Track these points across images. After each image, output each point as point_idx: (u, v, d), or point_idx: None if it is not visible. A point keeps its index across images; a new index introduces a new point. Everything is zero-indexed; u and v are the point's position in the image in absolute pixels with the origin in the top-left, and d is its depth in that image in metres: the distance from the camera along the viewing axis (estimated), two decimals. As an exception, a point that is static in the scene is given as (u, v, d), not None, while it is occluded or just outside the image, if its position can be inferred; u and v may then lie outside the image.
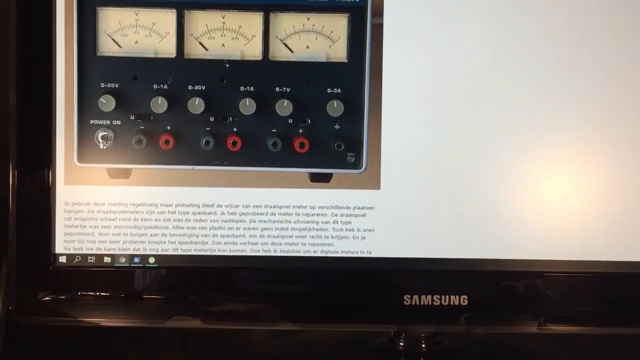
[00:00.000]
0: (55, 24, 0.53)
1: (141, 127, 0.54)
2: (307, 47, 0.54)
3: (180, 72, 0.53)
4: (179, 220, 0.55)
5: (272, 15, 0.53)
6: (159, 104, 0.53)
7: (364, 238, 0.55)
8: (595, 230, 0.56)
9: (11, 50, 0.53)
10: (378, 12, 0.54)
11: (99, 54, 0.53)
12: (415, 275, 0.56)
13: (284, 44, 0.54)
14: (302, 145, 0.54)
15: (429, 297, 0.56)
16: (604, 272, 0.56)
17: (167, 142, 0.54)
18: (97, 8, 0.53)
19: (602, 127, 0.56)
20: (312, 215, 0.55)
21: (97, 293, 0.56)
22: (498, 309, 0.57)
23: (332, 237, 0.56)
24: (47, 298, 0.56)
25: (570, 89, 0.55)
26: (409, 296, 0.56)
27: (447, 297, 0.56)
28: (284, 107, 0.53)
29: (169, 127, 0.54)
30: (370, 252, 0.56)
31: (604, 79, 0.55)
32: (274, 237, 0.55)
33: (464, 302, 0.56)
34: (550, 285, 0.56)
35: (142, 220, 0.55)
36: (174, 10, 0.53)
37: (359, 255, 0.56)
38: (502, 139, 0.55)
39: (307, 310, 0.57)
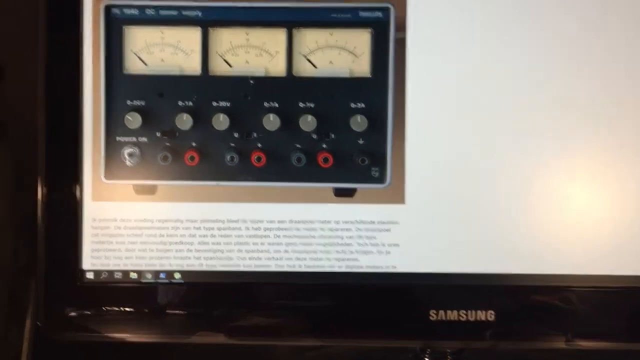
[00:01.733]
0: (83, 43, 0.54)
1: (167, 144, 0.54)
2: (331, 62, 0.54)
3: (205, 89, 0.54)
4: (204, 236, 0.55)
5: (295, 32, 0.54)
6: (184, 121, 0.54)
7: (389, 253, 0.55)
8: (624, 244, 0.55)
9: (40, 68, 0.54)
10: (401, 26, 0.54)
11: (125, 71, 0.54)
12: (441, 290, 0.56)
13: (308, 59, 0.54)
14: (326, 160, 0.54)
15: (455, 312, 0.55)
16: (634, 287, 0.56)
17: (192, 158, 0.54)
18: (124, 27, 0.54)
19: (632, 138, 0.55)
20: (337, 230, 0.55)
21: (124, 309, 0.56)
22: (525, 324, 0.56)
23: (356, 252, 0.55)
24: (75, 314, 0.56)
25: (597, 103, 0.55)
26: (435, 311, 0.55)
27: (473, 312, 0.55)
28: (307, 123, 0.54)
29: (194, 144, 0.54)
30: (395, 267, 0.55)
31: (634, 92, 0.55)
32: (298, 252, 0.55)
33: (490, 317, 0.55)
34: (579, 300, 0.56)
35: (167, 236, 0.56)
36: (199, 28, 0.54)
37: (384, 270, 0.55)
38: (527, 153, 0.55)
39: (332, 326, 0.57)
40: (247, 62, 0.54)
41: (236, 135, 0.54)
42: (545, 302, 0.56)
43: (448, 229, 0.55)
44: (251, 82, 0.54)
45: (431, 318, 0.55)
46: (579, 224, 0.55)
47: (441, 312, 0.55)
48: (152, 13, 0.54)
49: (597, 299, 0.56)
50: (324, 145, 0.54)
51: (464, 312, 0.55)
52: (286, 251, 0.55)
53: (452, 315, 0.55)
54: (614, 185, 0.55)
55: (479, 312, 0.55)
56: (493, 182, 0.55)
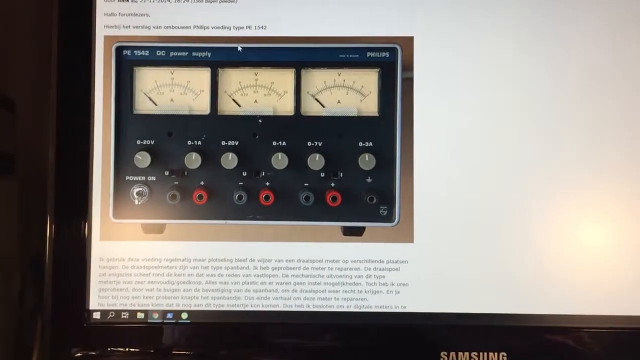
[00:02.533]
0: (94, 83, 0.55)
1: (175, 183, 0.55)
2: (339, 101, 0.54)
3: (213, 128, 0.54)
4: (212, 275, 0.55)
5: (303, 72, 0.54)
6: (193, 160, 0.54)
7: (398, 292, 0.55)
8: (638, 283, 0.54)
9: (51, 106, 0.55)
10: (408, 66, 0.54)
11: (135, 112, 0.55)
12: (452, 330, 0.55)
13: (316, 99, 0.55)
14: (334, 199, 0.54)
15: (467, 353, 0.54)
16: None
17: (200, 197, 0.54)
18: (135, 68, 0.55)
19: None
20: (345, 269, 0.55)
21: (131, 349, 0.56)
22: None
23: (365, 292, 0.55)
24: (81, 355, 0.56)
25: (604, 141, 0.55)
26: (445, 353, 0.54)
27: (485, 353, 0.54)
28: (315, 161, 0.54)
29: (202, 183, 0.55)
30: (405, 307, 0.55)
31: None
32: (306, 291, 0.55)
33: (502, 359, 0.54)
34: (593, 341, 0.54)
35: (175, 275, 0.55)
36: (209, 69, 0.54)
37: (394, 310, 0.55)
38: (535, 192, 0.55)
39: (341, 367, 0.56)
40: (255, 101, 0.55)
41: (244, 174, 0.55)
42: (559, 343, 0.54)
43: (458, 268, 0.54)
44: (259, 121, 0.54)
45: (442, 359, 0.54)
46: (591, 264, 0.55)
47: (452, 353, 0.54)
48: (163, 54, 0.54)
49: (612, 340, 0.55)
50: (332, 184, 0.54)
51: (475, 354, 0.54)
52: (294, 291, 0.55)
53: (464, 357, 0.54)
54: (626, 225, 0.55)
55: (490, 354, 0.54)
56: (502, 221, 0.55)
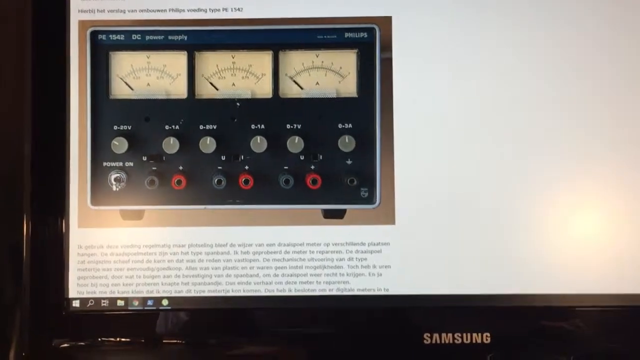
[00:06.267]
0: (69, 69, 0.54)
1: (153, 168, 0.54)
2: (317, 83, 0.54)
3: (191, 112, 0.54)
4: (192, 261, 0.55)
5: (281, 54, 0.54)
6: (171, 145, 0.53)
7: (380, 275, 0.54)
8: (627, 262, 0.54)
9: (26, 94, 0.54)
10: (387, 46, 0.54)
11: (111, 97, 0.54)
12: (435, 312, 0.54)
13: (294, 81, 0.54)
14: (314, 181, 0.53)
15: (450, 335, 0.54)
16: (636, 306, 0.54)
17: (179, 182, 0.54)
18: (110, 52, 0.54)
19: (632, 156, 0.54)
20: (327, 252, 0.54)
21: (111, 337, 0.55)
22: (524, 347, 0.55)
23: (347, 275, 0.54)
24: (61, 344, 0.55)
25: (591, 117, 0.54)
26: (428, 335, 0.54)
27: (469, 335, 0.54)
28: (295, 144, 0.53)
29: (180, 167, 0.54)
30: (387, 290, 0.54)
31: (633, 104, 0.54)
32: (288, 275, 0.54)
33: (487, 340, 0.54)
34: (580, 320, 0.54)
35: (155, 261, 0.55)
36: (185, 52, 0.54)
37: (376, 293, 0.54)
38: (518, 169, 0.54)
39: (323, 351, 0.55)
40: (233, 84, 0.54)
41: (223, 158, 0.54)
42: (544, 324, 0.54)
43: (440, 249, 0.54)
44: (237, 104, 0.54)
45: (425, 342, 0.54)
46: (576, 242, 0.54)
47: (435, 335, 0.54)
48: (138, 38, 0.54)
49: (599, 320, 0.54)
50: (312, 167, 0.54)
51: (459, 335, 0.54)
52: (276, 275, 0.54)
53: (447, 338, 0.54)
54: (612, 203, 0.54)
55: (474, 334, 0.54)
56: (486, 199, 0.54)
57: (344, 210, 0.54)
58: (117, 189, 0.54)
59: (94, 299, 0.55)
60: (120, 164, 0.54)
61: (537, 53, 0.54)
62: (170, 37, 0.54)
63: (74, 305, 0.55)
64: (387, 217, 0.54)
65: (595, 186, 0.54)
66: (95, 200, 0.54)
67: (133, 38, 0.54)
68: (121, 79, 0.54)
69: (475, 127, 0.54)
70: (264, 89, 0.54)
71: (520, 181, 0.54)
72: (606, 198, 0.54)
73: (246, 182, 0.53)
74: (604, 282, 0.54)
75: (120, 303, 0.55)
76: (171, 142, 0.53)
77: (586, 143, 0.54)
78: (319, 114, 0.54)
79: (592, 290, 0.54)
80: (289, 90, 0.54)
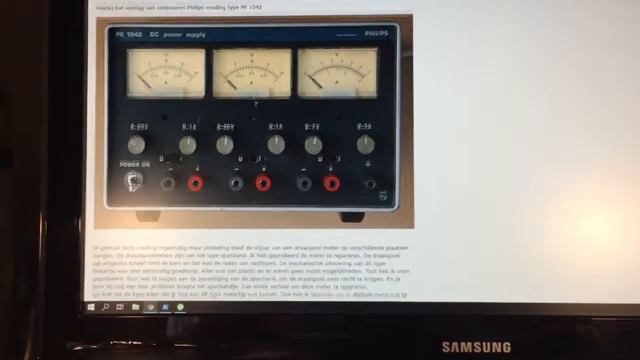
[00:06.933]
0: (87, 67, 0.54)
1: (170, 169, 0.53)
2: (336, 82, 0.53)
3: (209, 111, 0.53)
4: (208, 264, 0.54)
5: (300, 52, 0.53)
6: (188, 145, 0.53)
7: (399, 280, 0.53)
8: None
9: (43, 93, 0.54)
10: (408, 45, 0.53)
11: (129, 95, 0.54)
12: (454, 320, 0.53)
13: (313, 79, 0.53)
14: (332, 184, 0.52)
15: (470, 344, 0.52)
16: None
17: (195, 183, 0.53)
18: (128, 50, 0.53)
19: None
20: (344, 256, 0.53)
21: (126, 342, 0.54)
22: (543, 356, 0.53)
23: (365, 279, 0.53)
24: (75, 347, 0.54)
25: (612, 122, 0.53)
26: (447, 343, 0.52)
27: (488, 343, 0.52)
28: (313, 145, 0.52)
29: (197, 168, 0.53)
30: (405, 295, 0.53)
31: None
32: (305, 279, 0.53)
33: (506, 349, 0.52)
34: (599, 330, 0.53)
35: (170, 264, 0.54)
36: (203, 50, 0.53)
37: (394, 299, 0.53)
38: (540, 176, 0.53)
39: (339, 357, 0.54)
40: (251, 83, 0.53)
41: (240, 159, 0.53)
42: (564, 333, 0.53)
43: (460, 255, 0.53)
44: (256, 103, 0.53)
45: (444, 350, 0.52)
46: (597, 252, 0.53)
47: (454, 343, 0.52)
48: (156, 35, 0.53)
49: (618, 329, 0.53)
50: (330, 169, 0.53)
51: (479, 343, 0.52)
52: (292, 279, 0.53)
53: (466, 347, 0.52)
54: (631, 213, 0.53)
55: (494, 343, 0.52)
56: (506, 205, 0.53)
57: (362, 214, 0.53)
58: (133, 190, 0.53)
59: (109, 302, 0.54)
60: (137, 164, 0.53)
61: (569, 51, 0.53)
62: (188, 35, 0.53)
63: (89, 308, 0.54)
64: (406, 220, 0.53)
65: (628, 191, 0.53)
66: (111, 201, 0.54)
67: (151, 35, 0.53)
68: (139, 76, 0.54)
69: (498, 129, 0.53)
70: (282, 88, 0.53)
71: (547, 184, 0.53)
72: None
73: (263, 183, 0.53)
74: (628, 292, 0.53)
75: (136, 307, 0.54)
76: (188, 142, 0.53)
77: (614, 149, 0.53)
78: (337, 114, 0.53)
79: (616, 300, 0.53)
80: (308, 89, 0.53)
